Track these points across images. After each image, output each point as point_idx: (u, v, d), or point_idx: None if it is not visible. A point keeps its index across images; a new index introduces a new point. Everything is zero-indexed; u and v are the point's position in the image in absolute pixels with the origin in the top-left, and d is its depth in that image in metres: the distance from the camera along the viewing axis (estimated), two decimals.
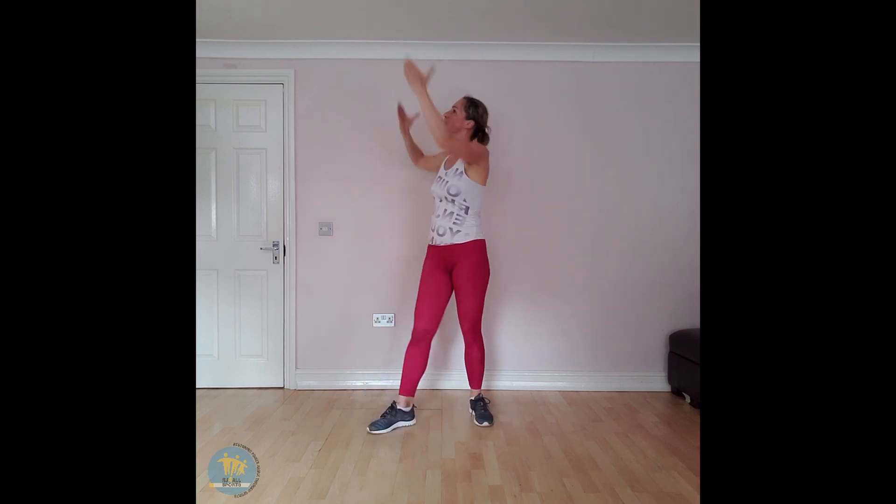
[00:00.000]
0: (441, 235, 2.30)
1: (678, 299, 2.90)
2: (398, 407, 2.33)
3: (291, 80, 2.84)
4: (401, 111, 2.48)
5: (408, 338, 2.88)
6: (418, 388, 2.86)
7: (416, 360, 2.33)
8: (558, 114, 2.88)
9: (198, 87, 2.74)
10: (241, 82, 2.85)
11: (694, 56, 2.83)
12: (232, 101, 2.86)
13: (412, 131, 2.58)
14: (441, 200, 2.32)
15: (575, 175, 2.89)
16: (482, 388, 2.55)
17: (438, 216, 2.32)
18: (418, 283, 2.41)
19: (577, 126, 2.88)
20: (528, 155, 2.88)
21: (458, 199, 2.27)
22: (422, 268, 2.40)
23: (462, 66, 2.84)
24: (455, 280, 2.33)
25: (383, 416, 2.31)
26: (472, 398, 2.48)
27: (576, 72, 2.87)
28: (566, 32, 2.68)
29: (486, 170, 2.32)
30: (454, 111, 2.34)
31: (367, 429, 2.26)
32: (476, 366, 2.44)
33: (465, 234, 2.29)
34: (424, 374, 2.86)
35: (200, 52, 2.76)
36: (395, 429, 2.29)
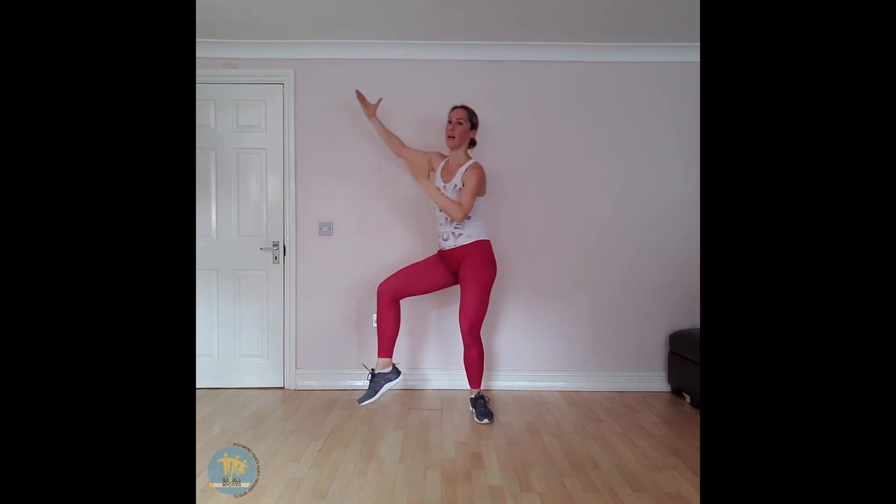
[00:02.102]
0: (445, 241, 2.38)
1: (678, 299, 2.90)
2: (378, 371, 2.40)
3: (291, 80, 2.84)
4: (360, 97, 2.53)
5: (407, 338, 2.89)
6: (419, 388, 2.89)
7: (389, 319, 2.39)
8: (558, 114, 2.88)
9: (198, 87, 2.74)
10: (241, 82, 2.85)
11: (694, 56, 2.83)
12: (232, 101, 2.86)
13: (381, 119, 2.62)
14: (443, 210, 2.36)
15: (575, 175, 2.89)
16: (482, 387, 2.54)
17: (441, 224, 2.39)
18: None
19: (578, 126, 2.88)
20: (528, 155, 2.88)
21: None
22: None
23: (462, 66, 2.84)
24: (460, 280, 2.39)
25: (369, 387, 2.39)
26: (472, 396, 2.48)
27: (576, 72, 2.87)
28: (566, 32, 2.68)
29: (485, 183, 2.39)
30: (459, 123, 2.38)
31: (357, 403, 2.34)
32: (475, 366, 2.44)
33: (467, 236, 2.37)
34: (424, 375, 2.90)
35: (200, 52, 2.76)
36: (384, 392, 2.37)
